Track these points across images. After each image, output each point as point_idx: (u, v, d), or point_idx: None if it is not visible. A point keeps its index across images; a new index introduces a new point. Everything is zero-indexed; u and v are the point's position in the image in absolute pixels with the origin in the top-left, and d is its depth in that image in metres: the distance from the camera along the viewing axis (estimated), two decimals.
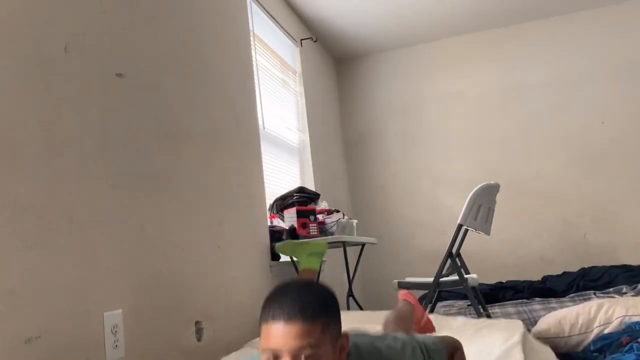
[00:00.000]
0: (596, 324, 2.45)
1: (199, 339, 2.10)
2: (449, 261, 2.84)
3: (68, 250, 1.54)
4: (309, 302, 0.94)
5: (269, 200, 3.11)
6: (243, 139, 2.78)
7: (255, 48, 3.20)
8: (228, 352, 2.07)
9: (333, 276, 3.72)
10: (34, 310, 1.40)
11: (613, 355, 1.87)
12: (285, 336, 0.91)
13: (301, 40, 4.10)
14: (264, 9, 3.44)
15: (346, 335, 1.02)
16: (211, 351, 2.10)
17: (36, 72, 1.53)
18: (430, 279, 2.87)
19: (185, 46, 2.35)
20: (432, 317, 2.19)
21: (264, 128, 3.19)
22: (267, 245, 2.86)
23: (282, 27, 3.73)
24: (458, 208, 2.86)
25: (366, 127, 4.89)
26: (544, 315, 2.74)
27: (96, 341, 1.59)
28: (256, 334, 2.34)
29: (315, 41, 4.37)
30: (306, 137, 4.01)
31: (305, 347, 0.91)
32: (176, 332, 1.98)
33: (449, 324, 2.16)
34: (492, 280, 3.88)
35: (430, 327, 2.59)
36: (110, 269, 1.70)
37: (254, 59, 3.12)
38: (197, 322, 2.10)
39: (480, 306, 2.86)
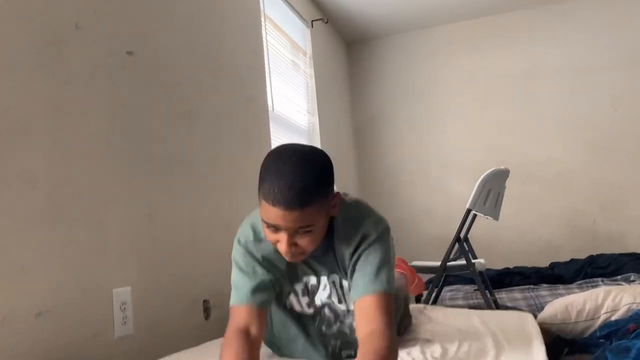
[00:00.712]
0: (603, 310, 2.44)
1: (206, 317, 2.12)
2: (456, 246, 2.84)
3: (78, 227, 1.55)
4: (307, 187, 1.00)
5: None
6: (252, 120, 2.78)
7: (265, 28, 3.18)
8: None
9: None
10: (44, 285, 1.41)
11: (620, 341, 1.87)
12: (283, 218, 1.00)
13: (312, 21, 4.07)
14: None
15: (337, 194, 1.11)
16: (219, 329, 2.11)
17: (47, 48, 1.53)
18: (438, 263, 2.87)
19: (196, 26, 2.34)
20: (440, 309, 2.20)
21: (273, 110, 3.18)
22: None
23: (293, 7, 3.70)
24: (467, 193, 2.84)
25: (376, 110, 4.86)
26: (551, 301, 2.73)
27: (105, 317, 1.61)
28: None
29: (327, 22, 4.34)
30: (315, 119, 4.00)
31: (302, 227, 1.03)
32: (184, 310, 2.00)
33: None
34: (499, 266, 3.88)
35: (420, 287, 2.66)
36: (119, 247, 1.71)
37: (264, 39, 3.10)
38: (205, 301, 2.12)
39: (487, 291, 2.86)
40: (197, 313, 2.07)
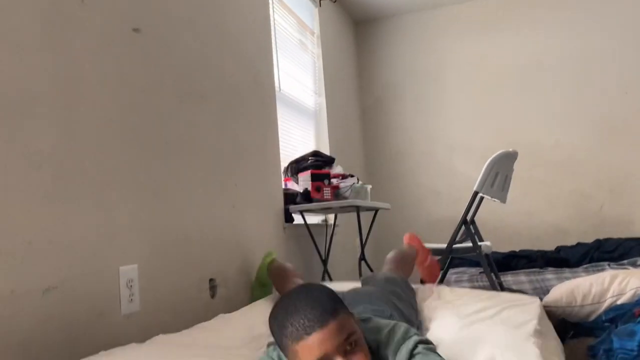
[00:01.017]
0: (609, 294, 2.43)
1: (212, 296, 2.13)
2: (463, 228, 2.83)
3: (84, 204, 1.56)
4: (325, 302, 1.00)
5: (284, 163, 3.11)
6: (259, 99, 2.76)
7: (273, 7, 3.14)
8: None
9: (346, 241, 3.74)
10: (51, 261, 1.42)
11: (625, 325, 1.86)
12: (328, 339, 0.96)
13: (320, 0, 4.02)
14: None
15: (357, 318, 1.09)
16: (224, 308, 2.12)
17: (53, 24, 1.51)
18: (444, 245, 2.86)
19: (203, 3, 2.31)
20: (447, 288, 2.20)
21: (280, 90, 3.16)
22: (281, 208, 2.87)
23: None
24: (474, 176, 2.83)
25: (383, 91, 4.83)
26: (557, 284, 2.72)
27: (112, 294, 1.62)
28: None
29: (335, 1, 4.28)
30: (322, 100, 3.97)
31: (347, 337, 0.98)
32: (190, 288, 2.01)
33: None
34: (505, 249, 3.87)
35: (435, 270, 2.63)
36: (126, 225, 1.71)
37: (271, 18, 3.07)
38: (211, 280, 2.13)
39: (492, 274, 2.86)
40: (202, 291, 2.08)
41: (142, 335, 1.60)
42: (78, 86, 1.58)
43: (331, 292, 1.05)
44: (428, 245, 3.05)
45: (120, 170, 1.72)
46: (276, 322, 1.02)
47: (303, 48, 3.76)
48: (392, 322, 1.18)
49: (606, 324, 2.27)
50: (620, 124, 4.09)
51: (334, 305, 1.00)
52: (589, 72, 4.20)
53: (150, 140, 1.88)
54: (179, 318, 1.87)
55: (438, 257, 3.10)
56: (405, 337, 1.11)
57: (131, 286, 1.69)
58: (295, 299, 1.01)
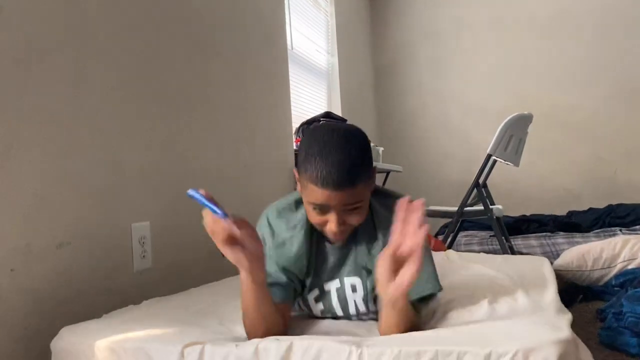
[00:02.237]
0: (620, 259, 2.44)
1: (223, 255, 2.14)
2: (474, 191, 2.81)
3: (96, 160, 1.55)
4: (355, 164, 0.99)
5: (295, 124, 3.08)
6: (271, 57, 2.72)
7: None
8: None
9: None
10: (64, 217, 1.43)
11: (636, 289, 1.86)
12: (334, 198, 0.99)
13: None
14: None
15: (375, 168, 1.08)
16: (235, 267, 2.14)
17: None
18: (455, 208, 2.86)
19: None
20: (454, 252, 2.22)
21: (292, 48, 3.11)
22: (291, 168, 2.87)
23: None
24: (487, 140, 2.79)
25: (397, 52, 4.74)
26: (568, 248, 2.73)
27: (124, 251, 1.64)
28: None
29: None
30: (335, 60, 3.91)
31: (351, 204, 1.01)
32: (202, 247, 2.02)
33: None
34: (516, 213, 3.86)
35: (441, 246, 2.66)
36: (137, 182, 1.72)
37: None
38: None
39: (503, 237, 2.86)
40: (213, 250, 2.09)
41: (154, 292, 1.62)
42: (89, 39, 1.56)
43: (366, 146, 1.04)
44: (439, 208, 3.05)
45: (131, 126, 1.71)
46: (305, 149, 1.02)
47: (316, 6, 3.68)
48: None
49: (616, 288, 2.28)
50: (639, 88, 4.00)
51: (359, 171, 0.99)
52: (609, 33, 4.08)
53: (161, 96, 1.86)
54: (190, 275, 1.89)
55: (441, 236, 3.11)
56: None
57: (143, 243, 1.70)
58: (331, 139, 1.00)
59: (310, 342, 0.92)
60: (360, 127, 1.10)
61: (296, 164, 1.04)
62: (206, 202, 0.96)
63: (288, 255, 1.13)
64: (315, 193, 0.99)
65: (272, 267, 1.12)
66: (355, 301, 1.15)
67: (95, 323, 1.19)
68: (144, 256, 1.71)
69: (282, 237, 1.14)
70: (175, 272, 1.85)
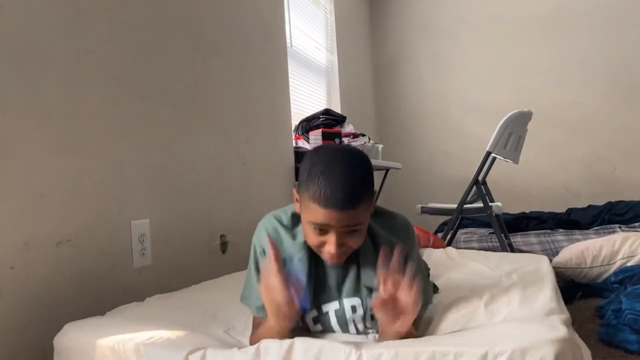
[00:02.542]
0: (619, 256, 2.44)
1: (223, 252, 2.15)
2: (474, 188, 2.81)
3: (96, 158, 1.56)
4: (357, 186, 0.98)
5: (295, 121, 3.08)
6: (270, 55, 2.72)
7: None
8: None
9: None
10: (64, 214, 1.43)
11: (635, 287, 1.86)
12: (335, 219, 0.98)
13: None
14: None
15: (375, 192, 1.07)
16: (235, 264, 2.15)
17: None
18: (454, 205, 2.86)
19: None
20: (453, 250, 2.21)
21: (291, 45, 3.11)
22: (291, 166, 2.87)
23: None
24: (486, 136, 2.79)
25: (397, 49, 4.73)
26: (567, 246, 2.73)
27: (124, 248, 1.64)
28: None
29: None
30: (334, 57, 3.90)
31: (352, 225, 1.00)
32: (201, 244, 2.03)
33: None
34: (516, 210, 3.86)
35: (440, 244, 2.66)
36: (137, 180, 1.72)
37: None
38: (221, 236, 2.14)
39: (502, 235, 2.86)
40: (213, 247, 2.10)
41: (154, 289, 1.62)
42: (88, 37, 1.56)
43: (368, 168, 1.04)
44: (438, 205, 3.05)
45: (130, 123, 1.71)
46: (307, 168, 1.01)
47: (315, 3, 3.68)
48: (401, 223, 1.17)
49: (615, 285, 2.28)
50: (639, 85, 3.99)
51: (362, 193, 0.99)
52: (608, 31, 4.07)
53: (161, 93, 1.86)
54: (190, 273, 1.89)
55: (440, 233, 3.11)
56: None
57: (143, 240, 1.71)
58: (334, 160, 0.99)
59: (310, 342, 0.92)
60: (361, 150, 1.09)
61: (296, 181, 1.03)
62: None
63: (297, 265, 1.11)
64: (317, 213, 0.98)
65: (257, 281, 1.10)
66: (354, 321, 1.13)
67: (98, 320, 1.20)
68: (143, 253, 1.71)
69: (286, 252, 1.11)
70: (175, 269, 1.85)
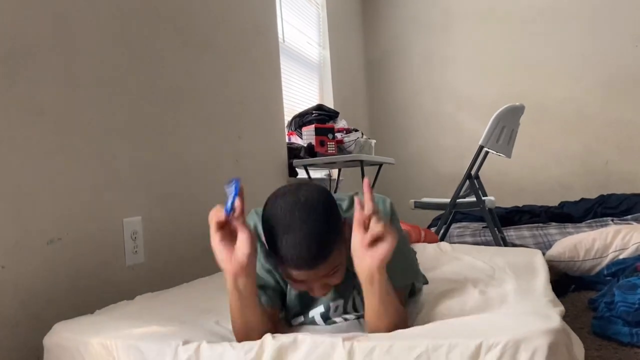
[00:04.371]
0: (612, 249, 2.45)
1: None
2: (467, 183, 2.82)
3: (87, 156, 1.54)
4: (323, 240, 0.95)
5: (288, 117, 3.07)
6: (262, 50, 2.70)
7: None
8: None
9: None
10: (55, 213, 1.42)
11: (628, 279, 1.87)
12: (310, 275, 0.98)
13: None
14: None
15: (348, 225, 1.03)
16: None
17: None
18: (447, 200, 2.86)
19: None
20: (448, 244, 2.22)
21: (283, 41, 3.10)
22: (284, 162, 2.86)
23: None
24: (479, 131, 2.79)
25: (389, 44, 4.72)
26: (560, 239, 2.74)
27: (116, 246, 1.63)
28: None
29: None
30: (327, 52, 3.89)
31: (329, 274, 1.00)
32: (194, 241, 2.02)
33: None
34: (509, 204, 3.87)
35: (433, 237, 2.66)
36: (129, 177, 1.70)
37: None
38: None
39: (495, 229, 2.87)
40: (206, 244, 2.09)
41: (146, 286, 1.61)
42: (78, 34, 1.54)
43: (330, 213, 0.99)
44: (431, 200, 3.06)
45: (122, 120, 1.69)
46: (269, 229, 0.99)
47: None
48: None
49: (608, 278, 2.29)
50: (630, 78, 4.01)
51: (328, 244, 0.96)
52: (600, 24, 4.09)
53: (152, 90, 1.85)
54: (183, 270, 1.88)
55: (433, 228, 3.11)
56: None
57: (135, 238, 1.70)
58: (296, 221, 0.95)
59: (303, 337, 0.92)
60: (320, 186, 1.05)
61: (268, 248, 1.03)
62: (229, 196, 0.97)
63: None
64: (290, 272, 0.98)
65: (262, 268, 1.10)
66: (342, 316, 1.15)
67: (89, 319, 1.19)
68: (136, 251, 1.70)
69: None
70: (167, 266, 1.84)
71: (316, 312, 1.15)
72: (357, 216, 0.95)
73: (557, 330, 0.84)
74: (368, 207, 0.95)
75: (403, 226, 2.57)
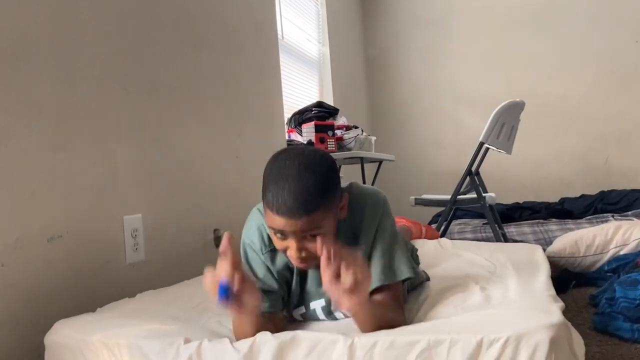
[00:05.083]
0: (612, 245, 2.44)
1: (217, 246, 2.14)
2: (467, 179, 2.82)
3: (87, 153, 1.54)
4: (310, 193, 0.96)
5: (287, 114, 3.07)
6: (261, 48, 2.70)
7: None
8: None
9: None
10: (55, 210, 1.42)
11: (629, 274, 1.87)
12: (289, 225, 0.97)
13: None
14: None
15: (345, 195, 1.06)
16: None
17: None
18: (448, 197, 2.86)
19: None
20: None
21: (282, 38, 3.09)
22: None
23: None
24: (479, 127, 2.79)
25: (388, 41, 4.72)
26: (560, 235, 2.74)
27: (116, 244, 1.63)
28: None
29: None
30: (326, 49, 3.89)
31: (308, 231, 0.98)
32: (195, 238, 2.02)
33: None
34: (509, 200, 3.87)
35: (434, 234, 2.66)
36: (129, 174, 1.70)
37: None
38: (215, 230, 2.13)
39: (496, 225, 2.87)
40: (207, 241, 2.09)
41: (147, 284, 1.61)
42: (77, 31, 1.54)
43: (326, 174, 1.00)
44: (432, 196, 3.05)
45: (121, 118, 1.69)
46: (265, 174, 1.02)
47: None
48: (374, 199, 1.14)
49: (608, 274, 2.29)
50: (630, 74, 4.01)
51: (316, 200, 0.96)
52: (600, 20, 4.08)
53: (152, 88, 1.84)
54: (184, 267, 1.88)
55: (434, 225, 3.11)
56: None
57: (135, 235, 1.69)
58: (289, 167, 0.98)
59: (304, 334, 0.92)
60: (325, 152, 1.06)
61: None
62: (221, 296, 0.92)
63: (282, 260, 1.11)
64: (272, 219, 0.98)
65: (262, 271, 1.10)
66: (342, 311, 1.14)
67: (90, 317, 1.19)
68: (136, 249, 1.70)
69: (272, 245, 1.11)
70: (168, 264, 1.84)
71: (317, 305, 1.15)
72: (324, 263, 0.93)
73: (558, 325, 0.84)
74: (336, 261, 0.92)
75: (404, 222, 2.58)
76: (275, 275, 1.11)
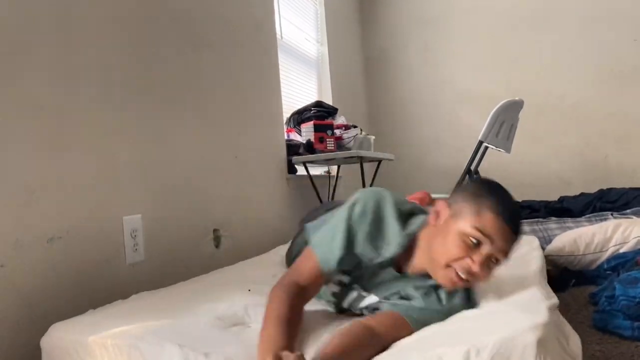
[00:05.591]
0: (612, 243, 2.44)
1: (217, 246, 2.14)
2: (466, 178, 2.81)
3: (86, 153, 1.54)
4: (521, 221, 1.06)
5: (286, 114, 3.07)
6: (260, 47, 2.70)
7: None
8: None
9: (349, 192, 3.73)
10: (55, 211, 1.42)
11: (629, 273, 1.87)
12: (500, 232, 1.00)
13: None
14: None
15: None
16: (229, 258, 2.14)
17: None
18: (447, 196, 2.85)
19: None
20: None
21: (281, 37, 3.09)
22: (283, 159, 2.85)
23: None
24: (479, 127, 2.79)
25: (387, 40, 4.71)
26: (559, 234, 2.73)
27: (116, 244, 1.63)
28: (274, 243, 2.38)
29: None
30: (325, 49, 3.88)
31: (504, 251, 1.02)
32: (195, 238, 2.02)
33: None
34: None
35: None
36: (128, 174, 1.70)
37: None
38: (215, 230, 2.13)
39: None
40: (207, 241, 2.09)
41: (147, 284, 1.61)
42: (77, 31, 1.54)
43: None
44: (431, 195, 3.05)
45: (121, 118, 1.69)
46: (481, 190, 1.05)
47: None
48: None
49: (608, 272, 2.29)
50: (629, 72, 4.00)
51: (521, 232, 1.05)
52: (599, 18, 4.08)
53: (151, 87, 1.84)
54: (183, 268, 1.88)
55: None
56: None
57: (135, 236, 1.69)
58: (507, 196, 1.05)
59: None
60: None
61: (460, 199, 1.08)
62: None
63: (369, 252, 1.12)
64: (486, 220, 1.00)
65: (354, 238, 1.11)
66: (360, 306, 1.18)
67: (86, 318, 1.17)
68: (136, 249, 1.70)
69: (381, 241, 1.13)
70: (167, 264, 1.84)
71: (353, 294, 1.17)
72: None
73: (544, 324, 0.84)
74: None
75: (413, 197, 2.56)
76: (345, 260, 1.11)
